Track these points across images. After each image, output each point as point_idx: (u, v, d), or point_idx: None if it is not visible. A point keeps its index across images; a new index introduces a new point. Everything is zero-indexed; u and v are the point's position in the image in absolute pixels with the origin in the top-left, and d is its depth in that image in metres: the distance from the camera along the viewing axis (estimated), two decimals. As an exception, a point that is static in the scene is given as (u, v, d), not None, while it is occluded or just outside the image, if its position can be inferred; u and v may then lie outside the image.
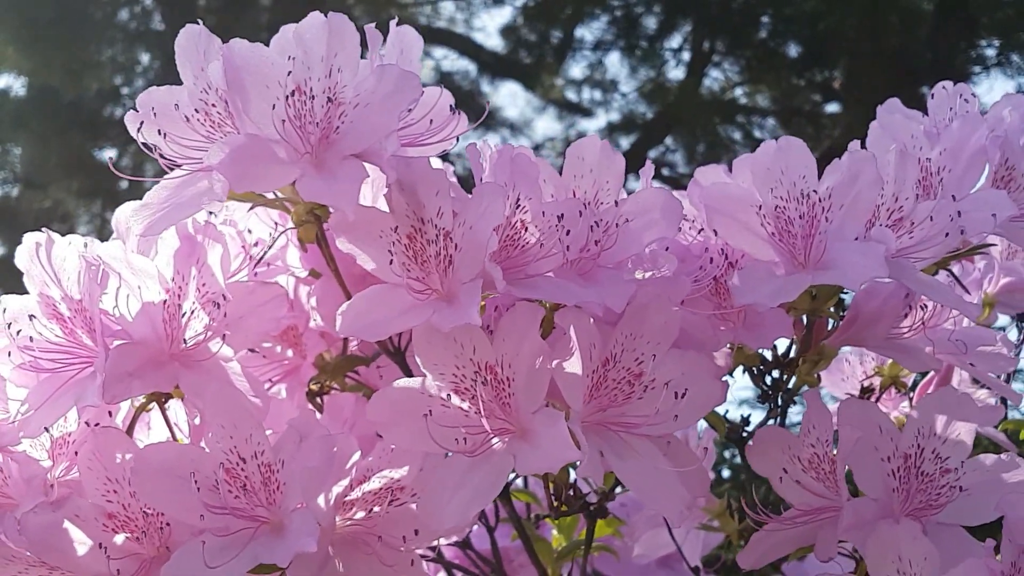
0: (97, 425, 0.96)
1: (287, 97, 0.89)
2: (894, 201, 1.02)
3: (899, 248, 0.99)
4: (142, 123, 0.94)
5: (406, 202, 0.89)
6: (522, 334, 0.87)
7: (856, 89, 7.84)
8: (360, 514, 0.94)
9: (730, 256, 1.03)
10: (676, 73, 8.91)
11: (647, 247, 0.96)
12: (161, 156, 0.94)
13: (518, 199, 0.90)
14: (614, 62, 9.79)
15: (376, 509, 0.94)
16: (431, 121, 0.95)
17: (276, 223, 1.11)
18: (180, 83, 0.95)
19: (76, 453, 0.96)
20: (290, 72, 0.89)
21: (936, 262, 1.06)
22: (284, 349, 1.16)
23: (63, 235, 0.97)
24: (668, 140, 8.90)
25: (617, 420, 0.91)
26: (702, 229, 1.05)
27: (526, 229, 0.91)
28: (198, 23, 0.94)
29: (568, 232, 0.91)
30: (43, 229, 0.97)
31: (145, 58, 9.20)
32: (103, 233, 10.59)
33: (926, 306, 1.11)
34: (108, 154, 9.60)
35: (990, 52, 8.08)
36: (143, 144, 0.94)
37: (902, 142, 1.08)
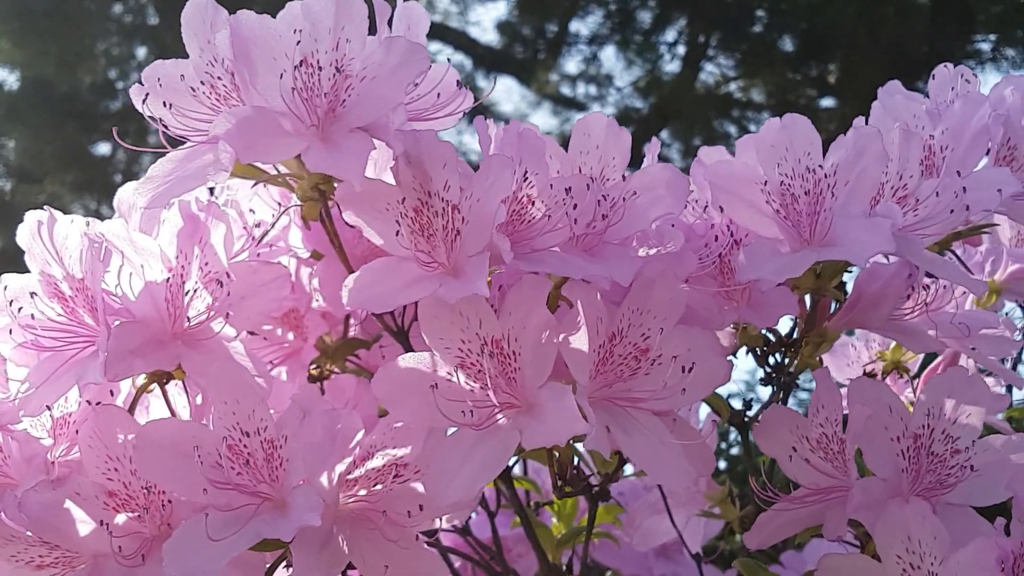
0: (98, 404, 0.95)
1: (294, 69, 0.88)
2: (898, 179, 1.01)
3: (904, 225, 0.98)
4: (147, 95, 0.93)
5: (413, 175, 0.89)
6: (529, 308, 0.86)
7: (852, 84, 7.83)
8: (363, 491, 0.94)
9: (735, 234, 1.02)
10: (671, 67, 8.90)
11: (653, 223, 0.96)
12: (165, 129, 0.93)
13: (525, 173, 0.90)
14: (609, 56, 9.76)
15: (379, 486, 0.93)
16: (438, 95, 0.95)
17: (279, 204, 1.11)
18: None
19: (77, 432, 0.96)
20: (298, 43, 0.88)
21: (940, 241, 1.06)
22: (285, 332, 1.16)
23: None
24: (664, 134, 8.88)
25: (623, 395, 0.91)
26: (706, 207, 1.05)
27: (533, 203, 0.91)
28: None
29: (575, 206, 0.91)
30: (45, 207, 0.96)
31: (140, 51, 9.18)
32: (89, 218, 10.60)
33: (928, 288, 1.10)
34: (105, 149, 9.58)
35: (985, 47, 8.08)
36: (149, 117, 0.93)
37: (904, 122, 1.08)
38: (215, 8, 0.92)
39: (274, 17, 0.89)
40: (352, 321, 1.15)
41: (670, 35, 9.02)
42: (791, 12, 8.30)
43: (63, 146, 8.92)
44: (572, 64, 9.47)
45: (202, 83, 0.93)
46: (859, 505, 0.92)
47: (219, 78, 0.92)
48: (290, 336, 1.16)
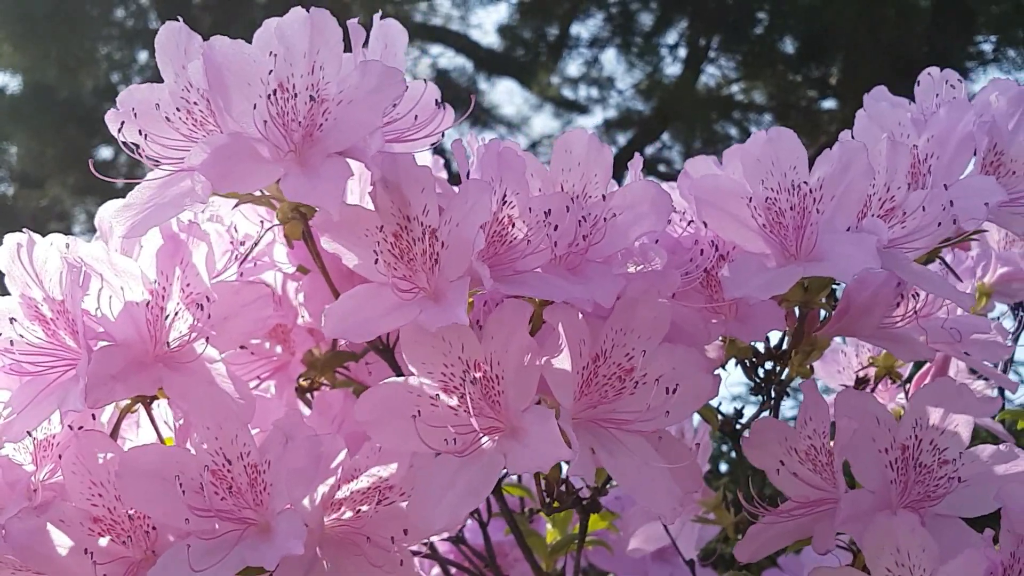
0: (81, 428, 0.95)
1: (269, 95, 0.88)
2: (886, 191, 1.01)
3: (891, 238, 0.98)
4: (123, 123, 0.93)
5: (391, 200, 0.88)
6: (510, 331, 0.86)
7: (852, 85, 7.81)
8: (348, 514, 0.94)
9: (721, 248, 1.02)
10: (672, 69, 8.90)
11: (637, 241, 0.95)
12: (140, 158, 0.93)
13: (505, 194, 0.89)
14: (610, 59, 9.77)
15: (364, 508, 0.93)
16: (416, 117, 0.95)
17: (262, 220, 1.11)
18: None
19: (60, 456, 0.95)
20: (272, 70, 0.88)
21: (929, 251, 1.05)
22: (273, 345, 1.15)
23: (60, 233, 0.96)
24: (665, 136, 8.89)
25: (608, 416, 0.90)
26: (692, 221, 1.05)
27: (513, 225, 0.91)
28: (203, 22, 0.93)
29: (556, 227, 0.90)
30: (24, 229, 0.96)
31: (142, 55, 9.20)
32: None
33: (918, 295, 1.10)
34: (107, 153, 9.59)
35: (986, 48, 8.08)
36: (123, 144, 0.93)
37: (889, 130, 1.07)
38: (188, 34, 0.92)
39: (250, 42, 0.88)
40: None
41: (671, 37, 9.02)
42: (792, 14, 8.29)
43: (65, 150, 8.93)
44: (573, 67, 9.47)
45: (178, 109, 0.92)
46: (847, 518, 0.91)
47: (195, 103, 0.92)
48: (278, 349, 1.15)
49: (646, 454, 0.89)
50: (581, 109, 9.33)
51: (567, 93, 9.38)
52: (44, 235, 0.95)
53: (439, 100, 0.97)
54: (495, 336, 0.87)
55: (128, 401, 0.99)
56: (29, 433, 0.93)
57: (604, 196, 0.95)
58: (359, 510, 0.93)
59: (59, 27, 7.94)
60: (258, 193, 0.96)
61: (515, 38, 9.34)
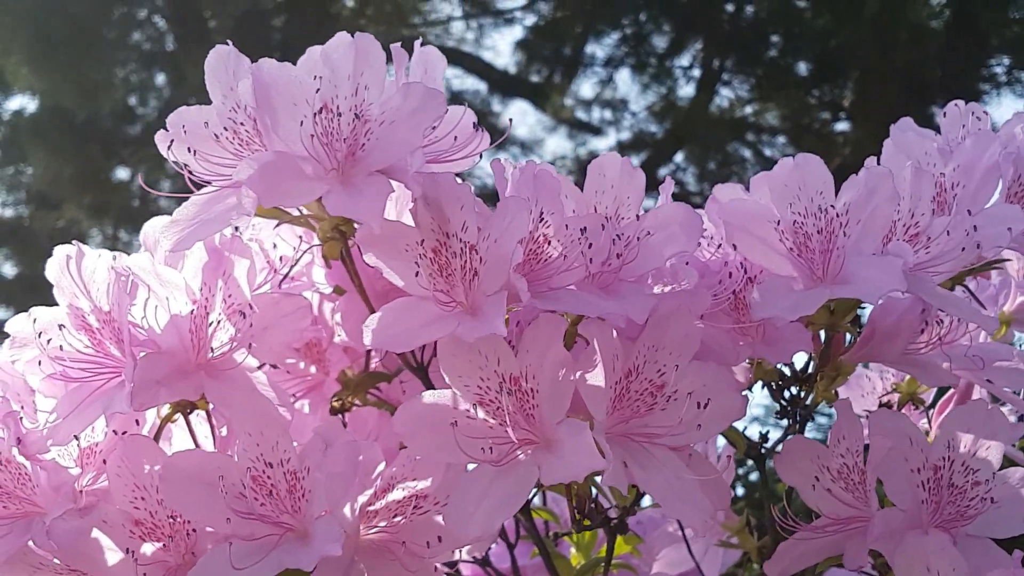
0: (125, 434, 0.97)
1: (315, 115, 0.90)
2: (910, 217, 1.03)
3: (916, 263, 1.00)
4: (172, 141, 0.96)
5: (431, 216, 0.91)
6: (546, 345, 0.88)
7: (865, 107, 7.84)
8: (383, 523, 0.96)
9: (749, 271, 1.04)
10: (686, 91, 8.94)
11: (667, 261, 0.98)
12: (190, 174, 0.96)
13: (541, 213, 0.92)
14: (624, 80, 9.82)
15: (399, 518, 0.95)
16: (455, 138, 0.97)
17: (300, 238, 1.13)
18: (191, 102, 0.97)
19: (104, 462, 0.97)
20: (318, 90, 0.91)
21: (952, 278, 1.07)
22: (307, 365, 1.17)
23: None
24: (678, 158, 8.91)
25: (640, 431, 0.92)
26: (720, 245, 1.07)
27: (548, 243, 0.93)
28: (221, 44, 0.96)
29: (590, 245, 0.92)
30: (73, 242, 0.99)
31: (159, 78, 9.25)
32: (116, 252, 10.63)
33: (942, 321, 1.11)
34: (124, 174, 9.61)
35: (1000, 70, 8.08)
36: (173, 163, 0.96)
37: (916, 159, 1.09)
38: (237, 56, 0.95)
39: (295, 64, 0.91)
40: (373, 355, 1.17)
41: (685, 59, 9.06)
42: (805, 36, 8.32)
43: (82, 172, 8.97)
44: (587, 88, 9.52)
45: (225, 129, 0.95)
46: (880, 535, 0.93)
47: (241, 123, 0.95)
48: (312, 369, 1.18)
49: (677, 468, 0.91)
50: (595, 131, 9.37)
51: (581, 115, 9.42)
52: None
53: (476, 124, 1.00)
54: (531, 350, 0.89)
55: (169, 410, 1.02)
56: (76, 437, 0.95)
57: (637, 217, 0.98)
58: (394, 519, 0.95)
59: (77, 50, 7.99)
60: (298, 213, 0.99)
61: (529, 60, 9.38)
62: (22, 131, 9.18)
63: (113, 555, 0.95)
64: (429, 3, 9.49)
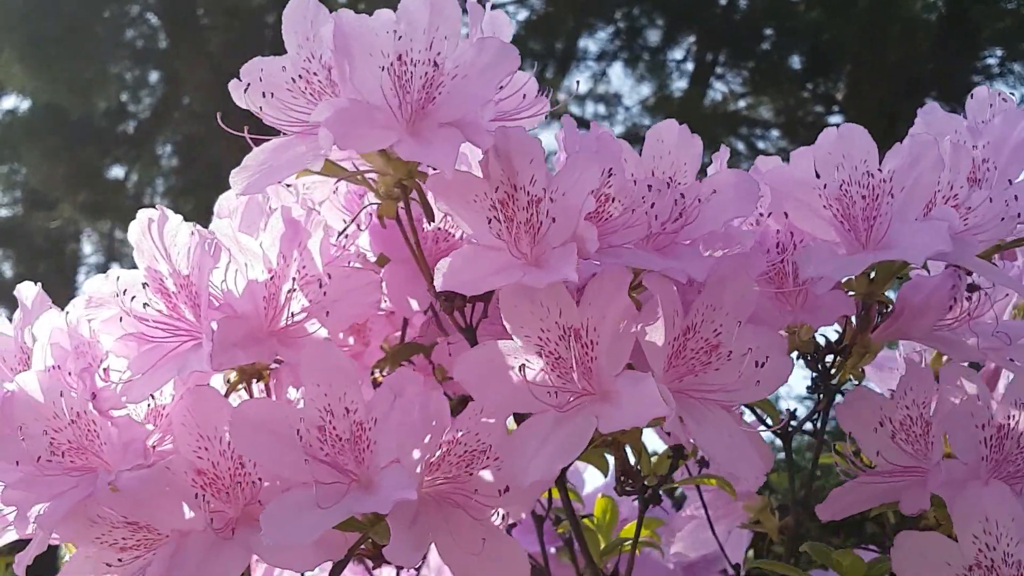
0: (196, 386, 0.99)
1: (390, 64, 0.93)
2: (949, 188, 1.05)
3: (956, 231, 1.00)
4: (248, 86, 0.98)
5: (501, 168, 0.93)
6: (609, 297, 0.90)
7: (858, 100, 7.89)
8: (446, 474, 0.96)
9: (790, 240, 1.06)
10: (680, 85, 8.98)
11: (723, 225, 1.00)
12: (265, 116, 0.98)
13: (608, 171, 0.94)
14: (618, 74, 9.87)
15: (459, 471, 0.95)
16: (524, 96, 1.01)
17: (344, 219, 1.15)
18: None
19: (170, 424, 0.99)
20: (393, 43, 0.93)
21: (980, 253, 1.09)
22: (346, 336, 1.18)
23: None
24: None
25: (694, 388, 0.94)
26: (761, 215, 1.09)
27: (611, 201, 0.95)
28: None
29: (653, 204, 0.95)
30: (158, 205, 1.01)
31: (152, 76, 9.24)
32: (111, 252, 10.58)
33: (970, 299, 1.13)
34: (118, 172, 9.58)
35: (992, 62, 8.14)
36: (246, 108, 0.98)
37: (946, 136, 1.10)
38: (316, 5, 0.97)
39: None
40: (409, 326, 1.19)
41: (678, 53, 9.10)
42: (798, 30, 8.36)
43: (76, 170, 8.95)
44: (581, 84, 9.53)
45: (299, 77, 0.97)
46: (944, 483, 0.96)
47: (315, 74, 0.97)
48: (351, 340, 1.19)
49: (730, 425, 0.93)
50: (588, 125, 9.37)
51: (574, 109, 9.44)
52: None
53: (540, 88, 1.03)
54: (593, 302, 0.91)
55: (235, 378, 1.04)
56: (152, 396, 0.98)
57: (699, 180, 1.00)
58: (455, 473, 0.95)
59: (70, 48, 7.98)
60: (357, 169, 1.01)
61: (521, 55, 9.38)
62: (15, 130, 9.16)
63: (174, 504, 0.96)
64: None
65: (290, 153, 0.96)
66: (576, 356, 0.91)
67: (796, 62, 8.60)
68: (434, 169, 0.96)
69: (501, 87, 0.98)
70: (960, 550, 0.89)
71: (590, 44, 9.25)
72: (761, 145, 8.66)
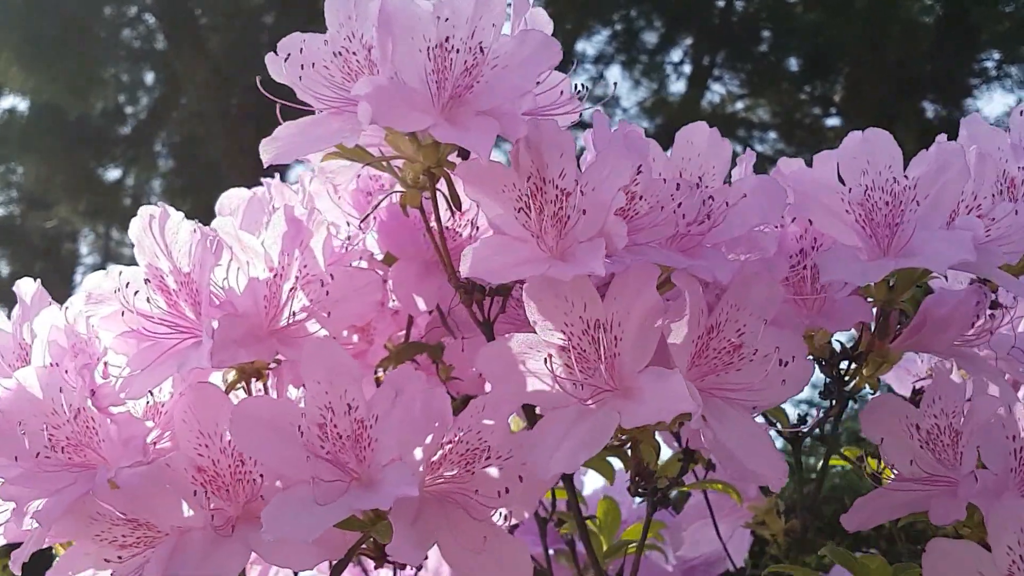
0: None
1: (431, 48, 0.93)
2: (973, 199, 1.04)
3: (980, 242, 0.99)
4: (288, 56, 0.98)
5: (531, 160, 0.92)
6: (636, 292, 0.89)
7: (857, 102, 7.89)
8: (447, 473, 0.95)
9: (810, 244, 1.05)
10: (677, 87, 8.98)
11: (750, 230, 0.99)
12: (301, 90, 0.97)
13: (638, 168, 0.93)
14: (615, 77, 9.86)
15: (459, 471, 0.94)
16: (561, 92, 1.00)
17: (348, 221, 1.15)
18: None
19: (169, 420, 0.98)
20: (436, 27, 0.93)
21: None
22: (350, 334, 1.17)
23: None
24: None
25: (715, 387, 0.93)
26: (782, 218, 1.09)
27: (638, 199, 0.94)
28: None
29: (680, 204, 0.94)
30: (159, 203, 1.00)
31: (149, 76, 9.23)
32: (108, 253, 10.56)
33: (994, 316, 1.12)
34: (115, 173, 9.55)
35: (990, 65, 8.15)
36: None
37: (988, 152, 1.09)
38: None
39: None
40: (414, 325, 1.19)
41: (676, 55, 9.10)
42: (796, 32, 8.37)
43: (73, 172, 8.94)
44: (578, 85, 9.52)
45: (338, 54, 0.97)
46: (979, 491, 0.95)
47: (354, 53, 0.97)
48: (354, 339, 1.18)
49: (751, 425, 0.93)
50: (586, 127, 9.37)
51: (574, 110, 9.42)
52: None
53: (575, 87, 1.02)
54: (619, 297, 0.90)
55: (234, 376, 1.03)
56: (150, 392, 0.97)
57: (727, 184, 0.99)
58: (456, 471, 0.94)
59: (67, 49, 7.96)
60: (382, 155, 1.00)
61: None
62: (13, 130, 9.14)
63: (174, 501, 0.95)
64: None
65: (323, 128, 0.96)
66: (600, 351, 0.90)
67: (794, 64, 8.61)
68: (463, 159, 0.96)
69: (539, 81, 0.97)
70: (994, 560, 0.89)
71: (588, 47, 9.24)
72: (759, 147, 8.66)
